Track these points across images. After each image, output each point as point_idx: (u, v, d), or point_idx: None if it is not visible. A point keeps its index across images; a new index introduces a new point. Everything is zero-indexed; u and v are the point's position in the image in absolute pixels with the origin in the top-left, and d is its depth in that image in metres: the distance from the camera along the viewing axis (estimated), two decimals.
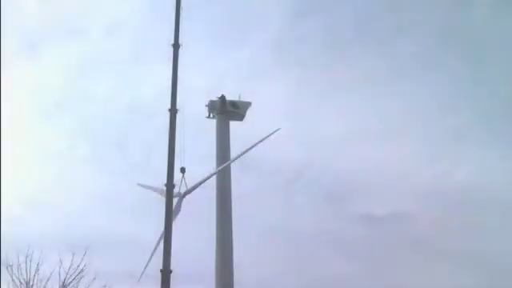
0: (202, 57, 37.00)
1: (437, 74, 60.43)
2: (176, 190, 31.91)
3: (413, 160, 54.43)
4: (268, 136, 35.14)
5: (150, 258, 32.64)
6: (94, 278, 30.69)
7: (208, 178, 35.05)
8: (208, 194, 35.83)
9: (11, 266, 29.64)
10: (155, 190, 33.36)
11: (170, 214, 28.35)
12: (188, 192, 34.00)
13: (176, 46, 32.10)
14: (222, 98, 38.18)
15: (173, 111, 30.67)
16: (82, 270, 30.45)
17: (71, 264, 30.32)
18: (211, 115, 38.42)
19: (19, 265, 29.66)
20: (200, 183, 34.59)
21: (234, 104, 37.56)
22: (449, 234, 48.75)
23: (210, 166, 36.22)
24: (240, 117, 37.76)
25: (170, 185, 29.37)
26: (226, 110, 37.43)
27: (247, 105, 37.83)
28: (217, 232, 35.48)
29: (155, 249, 31.75)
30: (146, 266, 32.89)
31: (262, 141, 34.89)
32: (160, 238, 29.69)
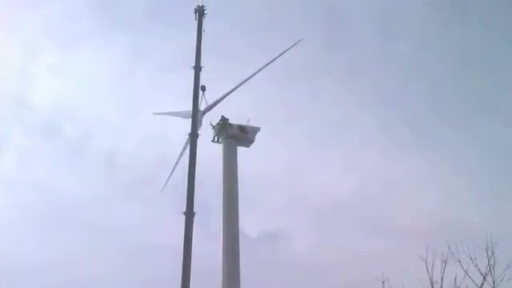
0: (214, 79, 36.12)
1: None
2: None
3: None
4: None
5: (174, 168, 35.28)
6: None
7: (225, 96, 36.06)
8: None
9: None
10: (174, 114, 35.65)
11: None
12: (208, 109, 35.16)
13: (197, 68, 31.55)
14: (223, 120, 37.02)
15: (193, 136, 30.02)
16: None
17: None
18: (215, 139, 37.26)
19: None
20: (219, 101, 35.88)
21: (242, 129, 36.50)
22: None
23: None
24: (248, 142, 36.76)
25: (189, 212, 28.76)
26: (234, 135, 36.35)
27: (256, 130, 36.83)
28: (223, 232, 33.77)
29: (178, 159, 34.50)
30: (170, 177, 35.77)
31: None
32: (183, 149, 33.11)
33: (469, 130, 68.59)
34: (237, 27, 66.05)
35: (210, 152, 36.03)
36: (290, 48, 37.81)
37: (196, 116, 31.04)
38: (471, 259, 33.64)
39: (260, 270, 44.65)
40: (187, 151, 31.35)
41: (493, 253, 33.56)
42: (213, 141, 37.01)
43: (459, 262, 33.81)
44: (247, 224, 38.09)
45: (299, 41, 38.08)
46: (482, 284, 33.24)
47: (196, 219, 29.36)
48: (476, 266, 33.49)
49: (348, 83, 68.33)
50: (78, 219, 57.43)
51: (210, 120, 36.54)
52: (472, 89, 70.74)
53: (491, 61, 71.40)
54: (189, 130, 31.55)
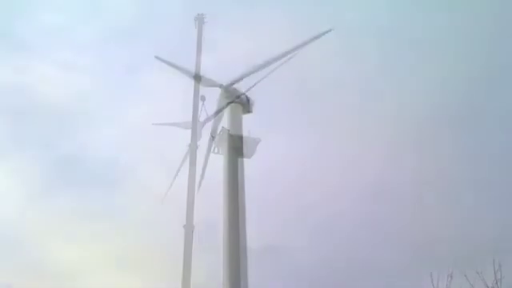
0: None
1: None
2: None
3: None
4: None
5: (174, 177, 35.51)
6: None
7: (226, 105, 35.15)
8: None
9: None
10: (174, 125, 35.80)
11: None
12: (208, 120, 34.38)
13: (197, 77, 31.15)
14: (224, 130, 36.47)
15: (193, 147, 29.53)
16: None
17: None
18: (216, 150, 36.65)
19: None
20: (219, 111, 35.00)
21: (243, 140, 35.91)
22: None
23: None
24: (249, 154, 36.14)
25: (189, 225, 28.36)
26: (235, 146, 35.73)
27: (256, 141, 36.29)
28: (224, 245, 33.02)
29: (179, 169, 34.45)
30: (171, 186, 35.79)
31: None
32: (183, 159, 32.78)
33: (471, 134, 67.44)
34: (237, 34, 65.29)
35: (211, 163, 35.53)
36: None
37: (196, 127, 30.56)
38: (477, 273, 32.77)
39: (262, 283, 43.94)
40: (187, 162, 30.96)
41: (499, 266, 32.73)
42: (213, 152, 36.60)
43: (465, 275, 32.91)
44: (248, 236, 37.45)
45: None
46: None
47: (196, 232, 28.90)
48: (483, 279, 32.64)
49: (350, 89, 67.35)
50: (75, 230, 56.90)
51: (210, 131, 36.25)
52: (475, 93, 69.73)
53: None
54: (189, 140, 31.14)
